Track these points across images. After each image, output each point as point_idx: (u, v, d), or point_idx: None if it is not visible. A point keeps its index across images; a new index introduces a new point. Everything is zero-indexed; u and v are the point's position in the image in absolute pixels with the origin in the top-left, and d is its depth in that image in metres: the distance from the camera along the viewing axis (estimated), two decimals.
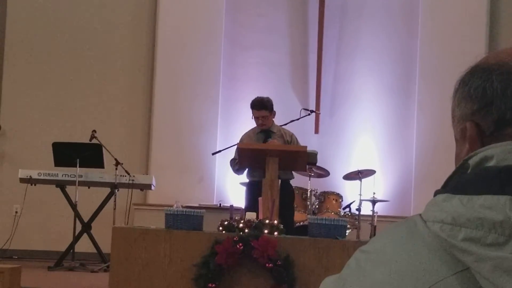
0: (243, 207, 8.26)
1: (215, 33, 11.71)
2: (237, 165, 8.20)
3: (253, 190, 7.99)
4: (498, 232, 1.09)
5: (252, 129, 8.58)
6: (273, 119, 8.45)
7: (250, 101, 8.41)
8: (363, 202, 9.88)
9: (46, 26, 11.73)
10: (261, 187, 7.36)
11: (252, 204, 7.65)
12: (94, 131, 9.84)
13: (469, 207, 1.12)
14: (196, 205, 9.99)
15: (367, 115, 11.65)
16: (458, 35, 11.33)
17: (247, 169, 8.26)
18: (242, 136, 8.59)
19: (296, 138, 8.44)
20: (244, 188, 8.72)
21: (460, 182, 1.19)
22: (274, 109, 8.40)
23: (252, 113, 8.33)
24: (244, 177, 8.61)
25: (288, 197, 8.00)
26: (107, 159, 9.84)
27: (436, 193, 1.21)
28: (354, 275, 1.21)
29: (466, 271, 1.11)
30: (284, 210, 7.44)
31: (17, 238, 10.66)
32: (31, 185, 10.11)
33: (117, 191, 9.88)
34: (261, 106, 8.27)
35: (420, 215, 1.22)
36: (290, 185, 8.38)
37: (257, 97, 8.44)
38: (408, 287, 1.13)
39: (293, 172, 8.43)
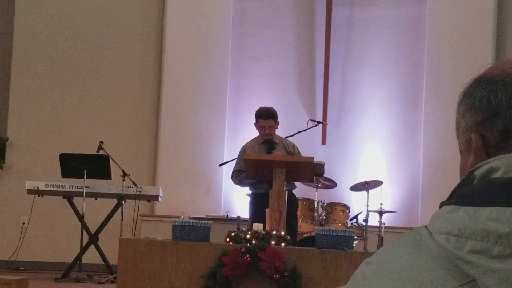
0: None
1: (223, 44, 11.73)
2: (239, 176, 8.21)
3: (257, 201, 8.01)
4: (504, 244, 1.09)
5: (254, 139, 8.57)
6: (276, 129, 8.46)
7: (256, 110, 8.43)
8: (370, 213, 9.85)
9: (54, 38, 11.75)
10: (265, 198, 7.37)
11: (256, 215, 7.65)
12: (101, 142, 9.84)
13: (475, 219, 1.12)
14: (203, 216, 10.00)
15: (374, 126, 11.64)
16: (465, 46, 11.33)
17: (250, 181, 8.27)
18: (244, 146, 8.58)
19: (298, 149, 8.45)
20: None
21: (466, 194, 1.19)
22: (281, 119, 8.43)
23: (258, 122, 8.33)
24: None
25: (291, 207, 7.99)
26: (114, 170, 9.85)
27: (442, 204, 1.21)
28: (360, 286, 1.21)
29: (472, 283, 1.11)
30: (287, 220, 7.43)
31: (24, 250, 10.68)
32: (38, 196, 10.12)
33: (124, 202, 9.89)
34: (269, 116, 8.29)
35: (426, 226, 1.22)
36: (293, 194, 8.39)
37: (263, 106, 8.46)
38: None
39: (299, 183, 8.43)
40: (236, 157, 8.62)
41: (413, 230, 1.24)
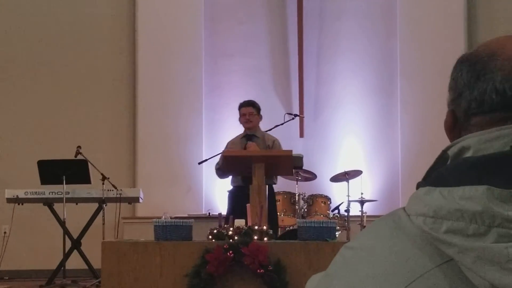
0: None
1: (195, 43, 11.71)
2: (220, 170, 8.28)
3: (235, 197, 8.12)
4: (478, 222, 1.10)
5: (238, 135, 8.65)
6: (260, 124, 8.52)
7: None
8: (352, 203, 9.89)
9: (27, 43, 11.69)
10: (241, 193, 7.42)
11: (233, 211, 7.68)
12: (79, 147, 9.79)
13: (450, 199, 1.13)
14: (185, 215, 9.98)
15: (351, 116, 11.68)
16: (436, 33, 11.37)
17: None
18: (228, 143, 8.65)
19: (279, 143, 8.49)
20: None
21: (440, 175, 1.20)
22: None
23: (240, 112, 8.46)
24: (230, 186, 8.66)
25: (270, 202, 8.02)
26: (94, 174, 9.81)
27: (418, 185, 1.22)
28: (341, 271, 1.22)
29: (450, 262, 1.12)
30: (270, 214, 7.48)
31: (7, 259, 10.60)
32: (18, 204, 10.05)
33: (105, 205, 9.85)
34: (249, 103, 8.50)
35: (403, 208, 1.23)
36: (272, 189, 8.44)
37: None
38: (394, 281, 1.13)
39: (279, 176, 8.46)
40: (218, 154, 8.69)
41: (391, 213, 1.25)
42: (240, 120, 8.55)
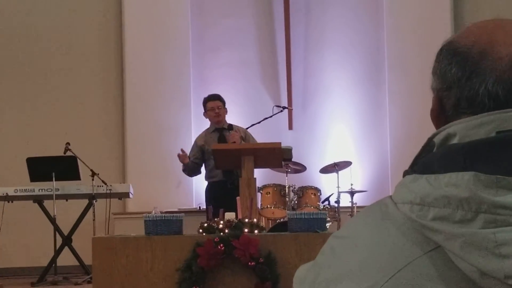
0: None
1: (182, 37, 11.70)
2: (187, 168, 8.42)
3: (213, 190, 8.21)
4: (465, 208, 1.10)
5: (204, 130, 8.72)
6: (226, 115, 8.64)
7: (202, 100, 8.70)
8: (342, 194, 9.89)
9: (14, 39, 11.65)
10: (221, 185, 7.46)
11: (213, 204, 7.70)
12: (68, 143, 9.78)
13: (436, 186, 1.13)
14: (176, 209, 9.98)
15: (339, 107, 11.69)
16: (423, 24, 11.39)
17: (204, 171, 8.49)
18: (196, 139, 8.75)
19: (251, 134, 8.58)
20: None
21: (426, 162, 1.20)
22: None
23: (206, 107, 8.55)
24: None
25: None
26: (83, 170, 9.80)
27: (405, 173, 1.22)
28: (329, 260, 1.22)
29: (438, 250, 1.12)
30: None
31: None
32: (8, 202, 10.04)
33: (95, 201, 9.85)
34: (216, 97, 8.61)
35: (390, 197, 1.23)
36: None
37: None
38: (382, 269, 1.14)
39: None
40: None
41: (378, 202, 1.25)
42: (206, 114, 8.62)
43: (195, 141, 8.72)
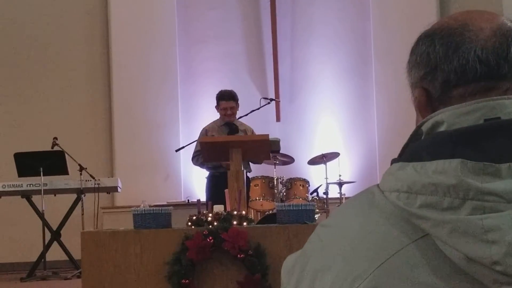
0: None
1: (168, 30, 11.68)
2: (200, 158, 8.27)
3: (215, 183, 8.16)
4: (452, 195, 1.10)
5: (215, 121, 8.65)
6: (237, 111, 8.59)
7: (217, 93, 8.57)
8: (330, 185, 9.91)
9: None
10: (220, 179, 7.42)
11: (215, 197, 7.69)
12: (55, 138, 9.76)
13: (423, 173, 1.13)
14: (164, 203, 9.98)
15: (327, 99, 11.70)
16: (409, 15, 11.39)
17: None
18: (205, 127, 8.66)
19: (255, 134, 8.58)
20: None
21: (413, 150, 1.20)
22: None
23: (219, 104, 8.48)
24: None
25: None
26: (71, 165, 9.78)
27: (393, 161, 1.22)
28: (317, 249, 1.22)
29: (426, 238, 1.12)
30: None
31: None
32: None
33: (84, 196, 9.84)
34: (230, 97, 8.50)
35: (377, 185, 1.23)
36: (247, 176, 8.51)
37: (224, 89, 8.66)
38: (370, 258, 1.14)
39: (256, 162, 8.48)
40: (197, 139, 8.68)
41: (366, 190, 1.25)
42: (219, 111, 8.56)
43: (205, 130, 8.62)
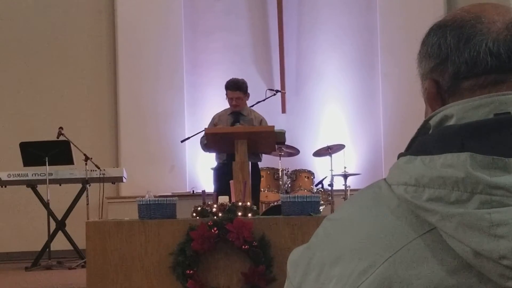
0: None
1: (175, 21, 11.67)
2: (206, 145, 8.25)
3: (221, 174, 8.09)
4: (460, 189, 1.09)
5: (225, 109, 8.61)
6: (247, 101, 8.50)
7: (225, 83, 8.49)
8: (335, 177, 9.91)
9: (5, 24, 11.60)
10: (227, 170, 7.42)
11: (221, 188, 7.68)
12: (61, 128, 9.77)
13: (431, 167, 1.12)
14: (169, 193, 9.98)
15: (332, 90, 11.68)
16: (416, 5, 11.36)
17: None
18: (214, 116, 8.61)
19: (266, 122, 8.47)
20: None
21: (421, 143, 1.19)
22: None
23: (226, 93, 8.40)
24: (214, 162, 8.65)
25: (255, 180, 8.00)
26: (76, 155, 9.79)
27: (400, 156, 1.22)
28: (323, 243, 1.21)
29: (433, 231, 1.12)
30: (253, 192, 7.49)
31: None
32: (2, 187, 10.04)
33: (89, 186, 9.85)
34: (236, 87, 8.35)
35: (385, 179, 1.23)
36: (257, 166, 8.43)
37: (232, 78, 8.52)
38: (377, 252, 1.13)
39: (263, 153, 8.45)
40: (201, 131, 8.65)
41: (373, 184, 1.25)
42: (227, 99, 8.51)
43: (213, 118, 8.59)
